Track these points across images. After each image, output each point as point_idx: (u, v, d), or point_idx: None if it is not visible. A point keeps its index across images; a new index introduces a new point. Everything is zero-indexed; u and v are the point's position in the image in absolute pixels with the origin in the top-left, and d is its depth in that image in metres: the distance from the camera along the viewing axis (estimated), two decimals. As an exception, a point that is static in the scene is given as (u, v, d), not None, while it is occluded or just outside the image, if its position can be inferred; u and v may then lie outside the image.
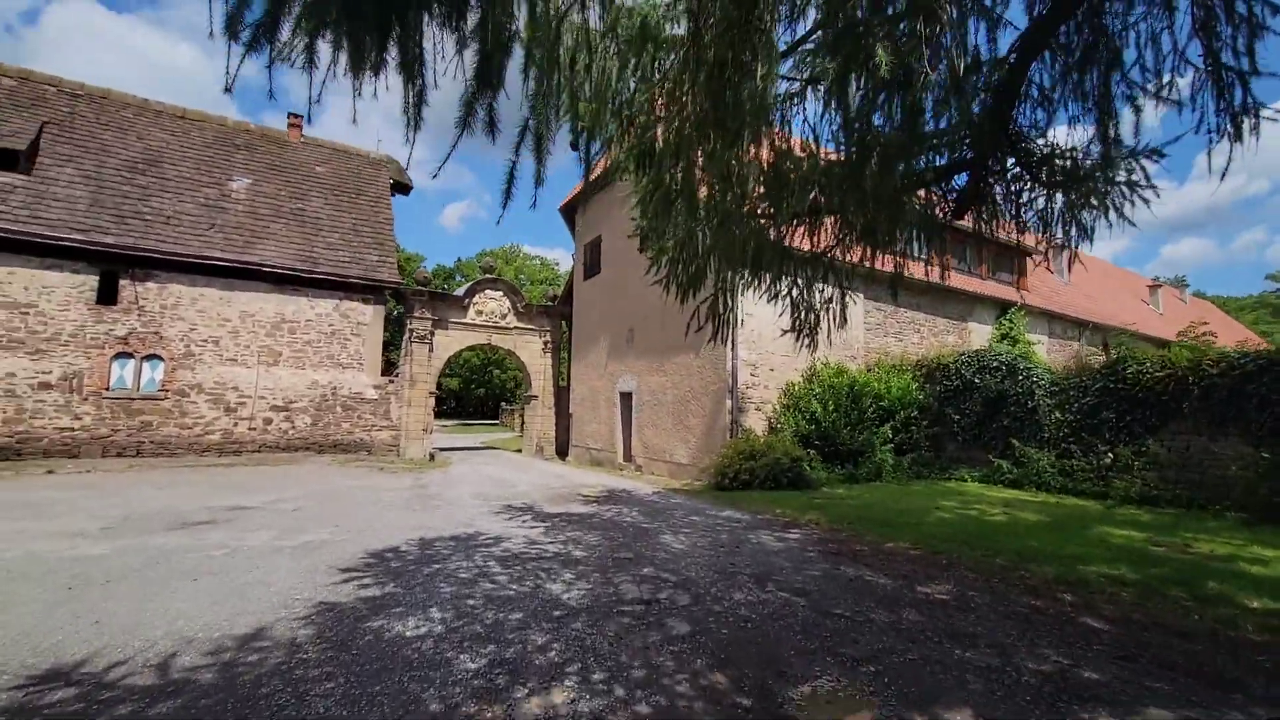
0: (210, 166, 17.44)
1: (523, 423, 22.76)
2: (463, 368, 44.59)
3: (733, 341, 12.14)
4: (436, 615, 4.00)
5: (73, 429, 14.15)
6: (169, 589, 4.61)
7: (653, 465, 14.43)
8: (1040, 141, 5.61)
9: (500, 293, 20.55)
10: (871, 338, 14.84)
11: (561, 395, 21.23)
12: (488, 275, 20.42)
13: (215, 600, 4.36)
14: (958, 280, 16.52)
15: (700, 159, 6.25)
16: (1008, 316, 17.87)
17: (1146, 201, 4.82)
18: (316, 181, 19.15)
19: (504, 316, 20.52)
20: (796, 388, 12.88)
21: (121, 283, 14.90)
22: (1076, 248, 5.44)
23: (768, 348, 12.82)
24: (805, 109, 5.90)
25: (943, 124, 5.78)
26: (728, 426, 11.95)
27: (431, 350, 19.01)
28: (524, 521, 7.70)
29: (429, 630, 3.76)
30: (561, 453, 20.61)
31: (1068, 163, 5.40)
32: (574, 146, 6.05)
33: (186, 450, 15.34)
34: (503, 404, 45.58)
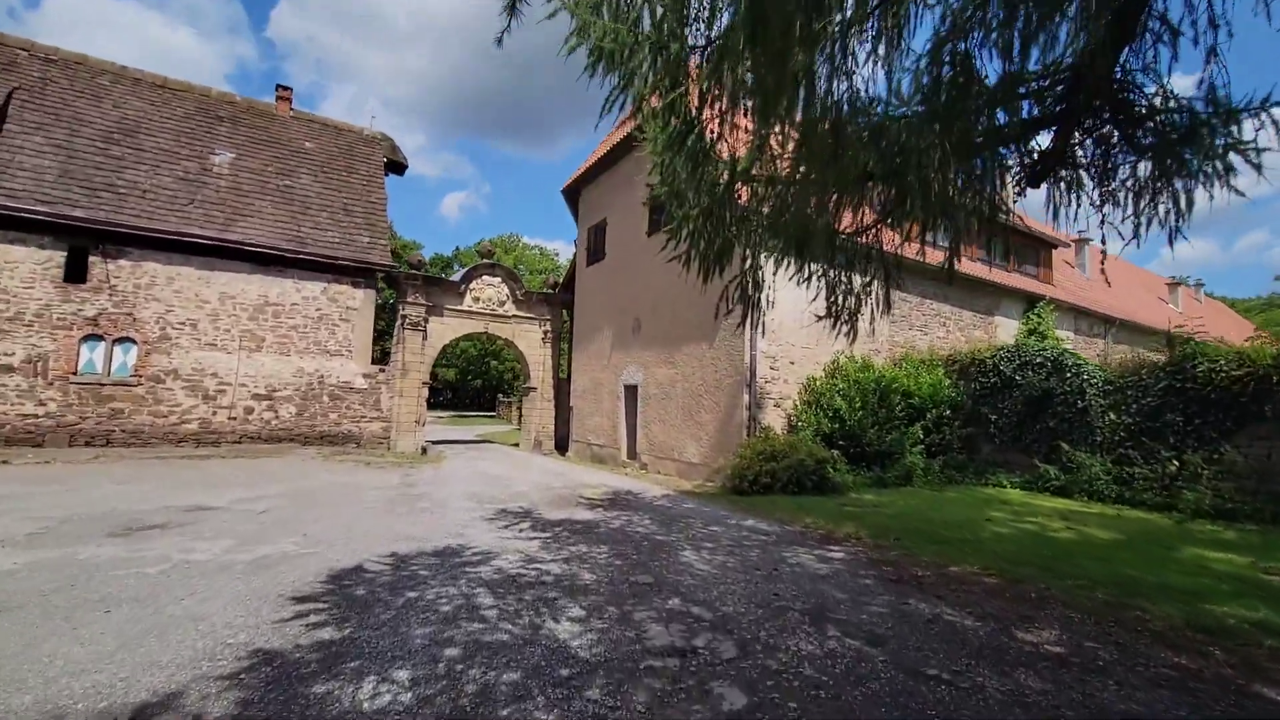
0: (191, 139, 16.35)
1: (521, 415, 21.80)
2: (459, 358, 43.56)
3: (750, 333, 11.14)
4: (404, 676, 3.02)
5: (36, 416, 13.13)
6: (71, 624, 3.63)
7: (660, 464, 13.45)
8: (1150, 90, 4.63)
9: (498, 279, 19.51)
10: (896, 330, 13.85)
11: (562, 387, 20.25)
12: (485, 260, 19.37)
13: (123, 643, 3.37)
14: (983, 270, 15.52)
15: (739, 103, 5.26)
16: (1036, 311, 16.88)
17: (1258, 168, 3.87)
18: (305, 158, 18.07)
19: (502, 304, 19.49)
20: (818, 383, 11.90)
21: (91, 259, 13.85)
22: (1178, 225, 4.48)
23: (788, 338, 11.82)
24: (865, 49, 4.81)
25: (1033, 64, 4.80)
26: (744, 424, 10.97)
27: (425, 338, 17.99)
28: (520, 531, 6.71)
29: (391, 701, 2.77)
30: (561, 447, 19.64)
31: (1178, 118, 4.41)
32: (590, 72, 5.02)
33: (161, 440, 14.33)
34: (500, 396, 44.59)
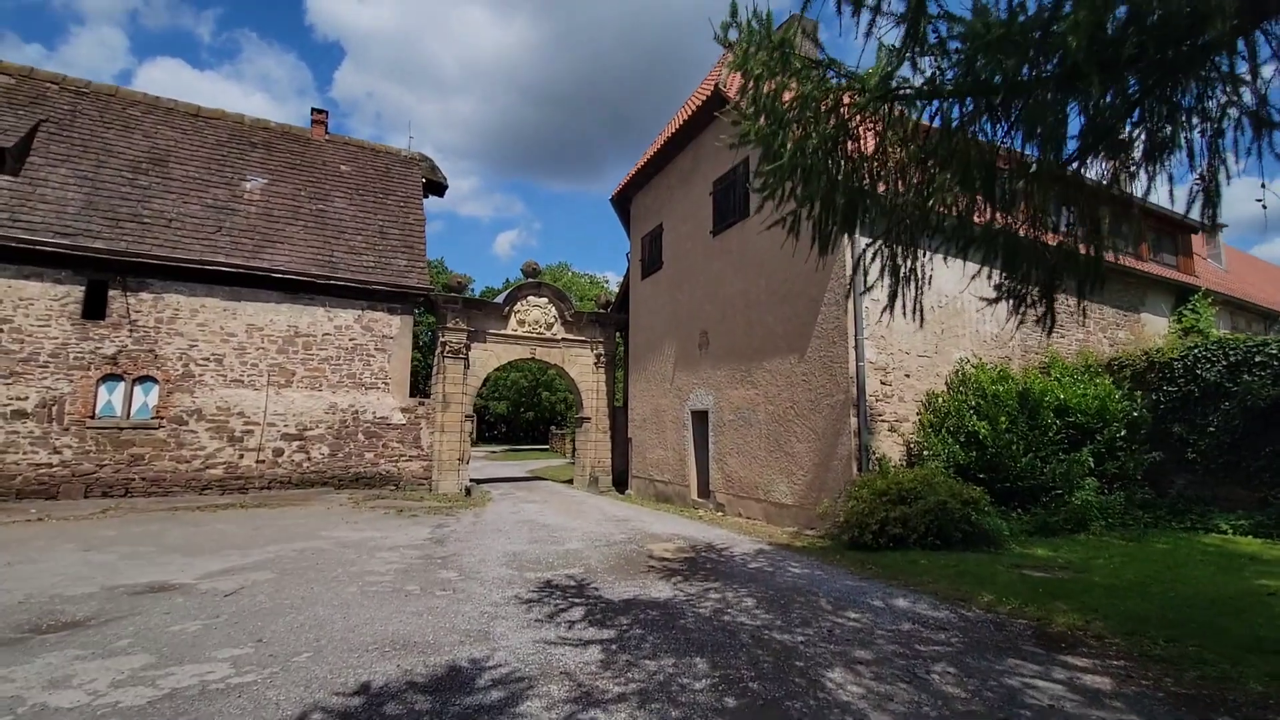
0: (222, 166, 15.47)
1: (574, 449, 19.88)
2: (510, 390, 42.34)
3: (856, 338, 8.80)
4: None
5: (50, 465, 12.01)
6: None
7: (740, 504, 11.12)
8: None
9: (545, 299, 17.81)
10: (1028, 332, 11.18)
11: (618, 417, 18.21)
12: (530, 279, 17.73)
13: None
14: (1130, 260, 12.66)
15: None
16: (1191, 305, 13.81)
17: None
18: (340, 181, 17.02)
19: (549, 326, 17.74)
20: (941, 399, 9.41)
21: (111, 293, 12.85)
22: None
23: (899, 343, 9.42)
24: None
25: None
26: (853, 454, 8.58)
27: (467, 367, 16.36)
28: (571, 627, 4.59)
29: None
30: (619, 484, 17.51)
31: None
32: None
33: (184, 488, 13.03)
34: (552, 428, 42.98)
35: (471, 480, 17.58)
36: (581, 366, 18.14)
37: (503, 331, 17.06)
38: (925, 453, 8.78)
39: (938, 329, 9.88)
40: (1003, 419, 8.45)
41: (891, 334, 9.32)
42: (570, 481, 19.04)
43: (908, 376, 9.41)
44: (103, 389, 12.61)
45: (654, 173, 15.51)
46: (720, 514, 11.53)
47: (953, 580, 5.87)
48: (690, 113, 12.91)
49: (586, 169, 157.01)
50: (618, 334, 19.04)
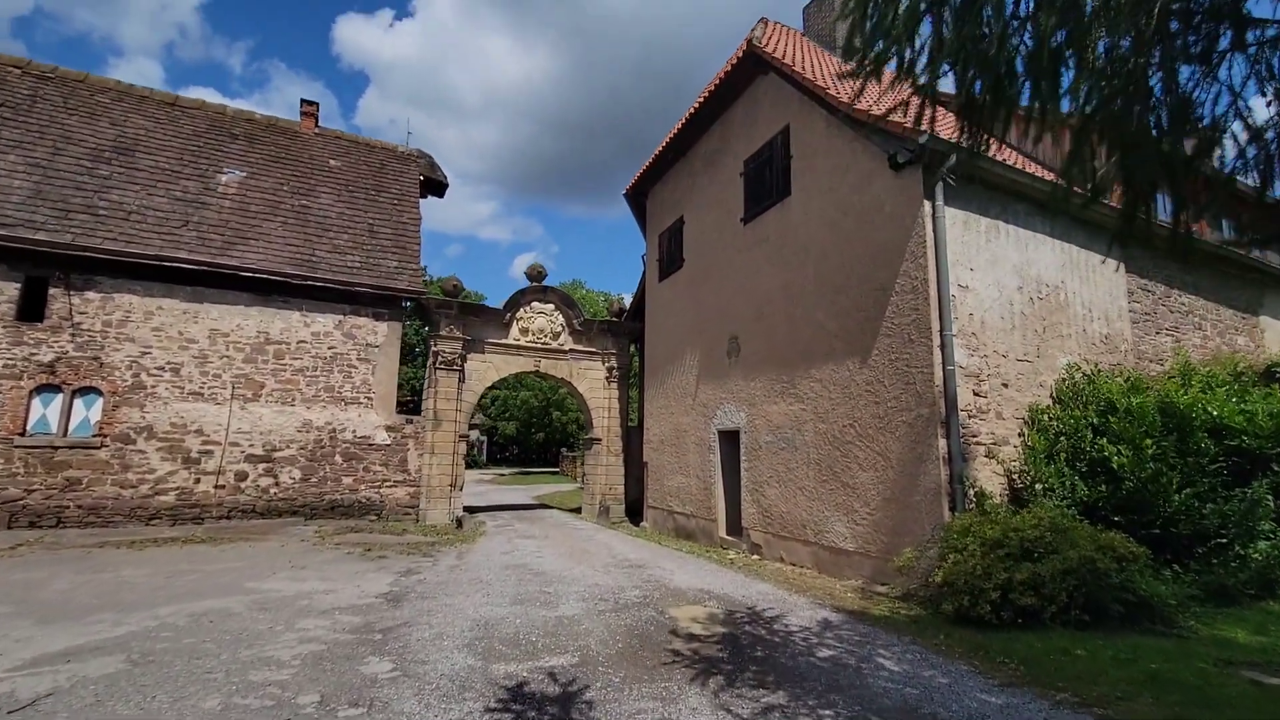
0: (196, 157, 13.92)
1: (584, 473, 17.84)
2: (520, 409, 40.42)
3: (943, 334, 6.74)
4: None
5: (-32, 490, 10.27)
6: None
7: (780, 546, 8.98)
8: None
9: (551, 305, 15.95)
10: (1141, 334, 9.02)
11: (632, 437, 16.17)
12: (534, 284, 15.90)
13: None
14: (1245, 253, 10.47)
15: None
16: (1321, 306, 11.53)
17: None
18: (327, 176, 15.41)
19: (556, 336, 15.85)
20: (1047, 416, 7.28)
21: (52, 292, 11.21)
22: None
23: (994, 344, 7.33)
24: None
25: None
26: (942, 488, 6.46)
27: (463, 380, 14.49)
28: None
29: None
30: (633, 513, 15.40)
31: None
32: None
33: (127, 517, 11.19)
34: (563, 450, 40.92)
35: (466, 509, 15.59)
36: (591, 381, 16.18)
37: (503, 341, 15.20)
38: (1038, 485, 6.63)
39: (1038, 326, 7.78)
40: (1147, 442, 6.29)
41: (984, 331, 7.24)
42: (578, 510, 16.96)
43: (1005, 386, 7.30)
44: (36, 401, 10.89)
45: (674, 160, 13.68)
46: (756, 558, 9.38)
47: (1151, 692, 3.74)
48: (719, 80, 11.07)
49: (603, 193, 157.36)
50: (632, 345, 17.10)
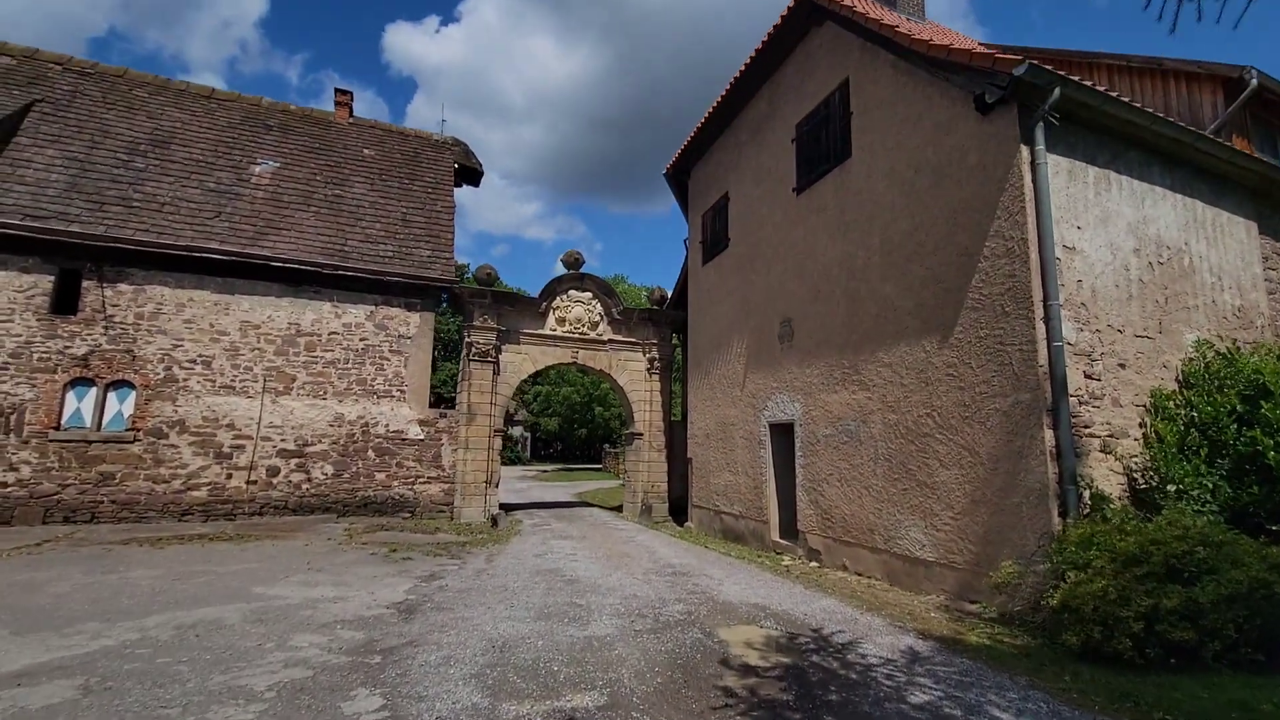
0: (230, 148, 13.74)
1: (625, 470, 17.03)
2: (562, 405, 40.00)
3: (1047, 303, 5.59)
4: None
5: (5, 485, 10.18)
6: None
7: (844, 553, 7.94)
8: None
9: (588, 294, 15.19)
10: (1279, 307, 7.59)
11: (676, 432, 15.28)
12: (571, 272, 15.15)
13: None
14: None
15: None
16: None
17: None
18: (361, 165, 15.05)
19: (594, 326, 15.08)
20: (1175, 402, 6.04)
21: (85, 284, 11.08)
22: None
23: (1107, 316, 6.11)
24: None
25: None
26: (1049, 488, 5.33)
27: (497, 372, 13.87)
28: None
29: None
30: (677, 512, 14.52)
31: None
32: None
33: (160, 512, 10.98)
34: (606, 446, 40.31)
35: (503, 506, 15.03)
36: (632, 373, 15.35)
37: (539, 331, 14.52)
38: (1169, 487, 5.42)
39: (1159, 296, 6.51)
40: (1319, 433, 5.03)
41: (1095, 301, 6.03)
42: (619, 509, 16.17)
43: (1122, 367, 6.08)
44: (71, 395, 10.78)
45: (717, 133, 12.68)
46: (815, 565, 8.36)
47: None
48: (769, 36, 10.03)
49: (644, 189, 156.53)
50: (675, 335, 16.18)
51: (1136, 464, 5.79)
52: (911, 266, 7.08)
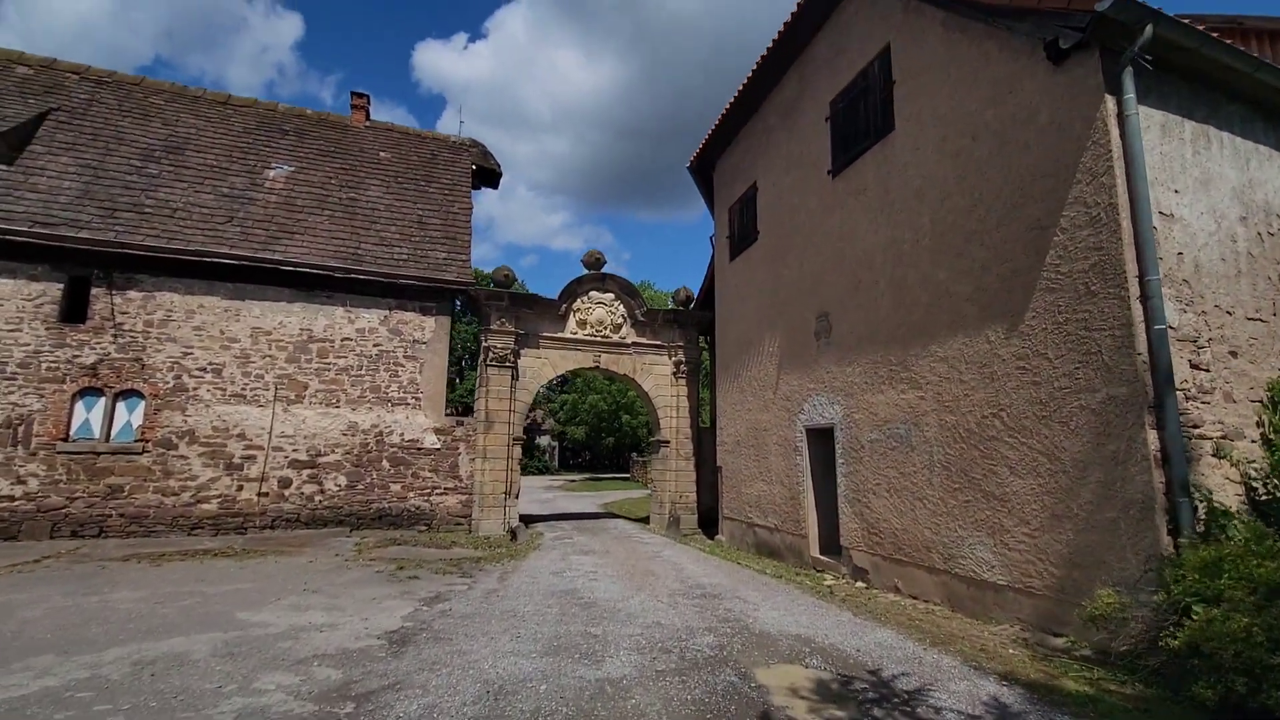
0: (245, 153, 13.49)
1: (652, 479, 16.28)
2: (589, 414, 39.38)
3: (1143, 278, 4.70)
4: None
5: (13, 499, 9.90)
6: None
7: (895, 573, 7.04)
8: None
9: (610, 295, 14.53)
10: None
11: (704, 439, 14.47)
12: (592, 272, 14.52)
13: None
14: None
15: None
16: None
17: None
18: (377, 168, 14.69)
19: (617, 328, 14.40)
20: (1301, 397, 5.05)
21: (94, 292, 10.82)
22: None
23: (1216, 296, 5.17)
24: None
25: None
26: (1154, 499, 4.42)
27: (516, 377, 13.27)
28: None
29: None
30: (707, 524, 13.69)
31: None
32: None
33: (169, 526, 10.61)
34: (634, 455, 39.54)
35: (526, 518, 14.38)
36: (657, 377, 14.61)
37: (559, 334, 13.90)
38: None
39: (1271, 272, 5.53)
40: None
41: (1199, 278, 5.10)
42: (646, 520, 15.40)
43: (1233, 355, 5.12)
44: (79, 405, 10.49)
45: (744, 120, 11.93)
46: (862, 585, 7.47)
47: None
48: (798, 8, 9.26)
49: (672, 199, 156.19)
50: (701, 337, 15.41)
51: (1255, 470, 4.82)
52: (969, 247, 6.21)
